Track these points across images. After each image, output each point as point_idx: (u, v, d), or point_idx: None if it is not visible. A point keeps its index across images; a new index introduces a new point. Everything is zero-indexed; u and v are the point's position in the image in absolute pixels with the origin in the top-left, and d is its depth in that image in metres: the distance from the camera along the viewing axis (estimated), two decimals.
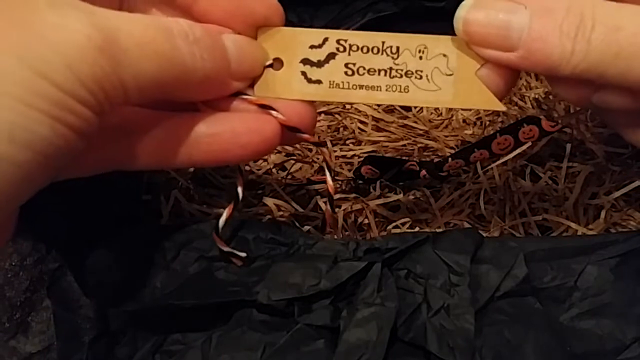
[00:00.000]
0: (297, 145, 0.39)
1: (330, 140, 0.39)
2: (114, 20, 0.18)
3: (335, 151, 0.39)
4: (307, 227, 0.32)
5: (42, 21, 0.17)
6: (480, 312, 0.23)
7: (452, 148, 0.39)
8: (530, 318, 0.23)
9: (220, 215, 0.25)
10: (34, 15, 0.17)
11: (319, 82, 0.23)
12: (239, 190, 0.25)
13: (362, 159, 0.37)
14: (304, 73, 0.23)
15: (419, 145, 0.39)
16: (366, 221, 0.34)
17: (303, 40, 0.23)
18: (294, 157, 0.39)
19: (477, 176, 0.36)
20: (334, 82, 0.23)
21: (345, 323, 0.22)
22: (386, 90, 0.23)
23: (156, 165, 0.23)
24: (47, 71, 0.16)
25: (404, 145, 0.39)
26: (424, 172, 0.35)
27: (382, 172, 0.35)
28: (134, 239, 0.27)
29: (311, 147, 0.39)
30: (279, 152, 0.39)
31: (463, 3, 0.22)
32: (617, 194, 0.34)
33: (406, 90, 0.23)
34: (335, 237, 0.32)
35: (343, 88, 0.23)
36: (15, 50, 0.16)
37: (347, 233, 0.33)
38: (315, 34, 0.23)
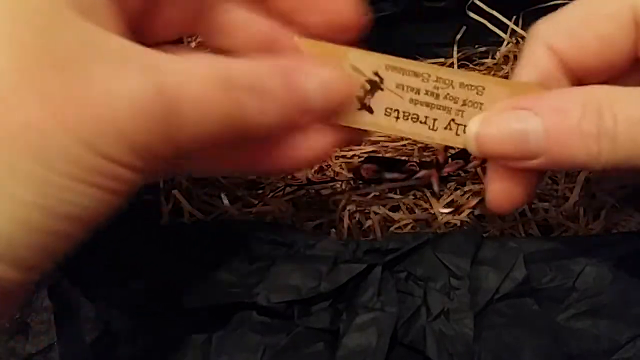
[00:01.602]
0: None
1: None
2: (175, 76, 0.17)
3: (335, 151, 0.39)
4: (307, 228, 0.32)
5: (99, 87, 0.15)
6: (479, 315, 0.23)
7: (452, 148, 0.39)
8: (529, 320, 0.23)
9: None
10: (90, 79, 0.15)
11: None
12: None
13: (362, 159, 0.37)
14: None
15: (419, 145, 0.39)
16: (366, 221, 0.34)
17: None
18: None
19: (477, 176, 0.36)
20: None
21: (345, 327, 0.22)
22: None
23: (211, 172, 0.22)
24: (99, 144, 0.16)
25: (404, 145, 0.39)
26: (424, 172, 0.35)
27: (382, 172, 0.35)
28: (134, 239, 0.27)
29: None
30: None
31: (471, 121, 0.21)
32: (617, 194, 0.34)
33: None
34: (337, 237, 0.32)
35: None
36: (63, 123, 0.15)
37: (347, 233, 0.33)
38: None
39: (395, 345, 0.23)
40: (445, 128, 0.22)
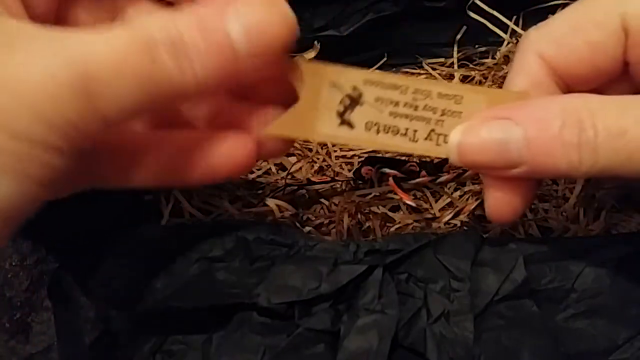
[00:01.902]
0: (298, 145, 0.39)
1: None
2: (88, 46, 0.16)
3: (335, 151, 0.39)
4: (307, 228, 0.33)
5: (7, 69, 0.15)
6: (479, 316, 0.23)
7: None
8: (528, 322, 0.23)
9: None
10: None
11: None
12: None
13: (362, 159, 0.37)
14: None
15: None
16: (367, 221, 0.34)
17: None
18: (294, 157, 0.39)
19: (477, 176, 0.36)
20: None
21: (346, 329, 0.22)
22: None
23: (147, 185, 0.22)
24: (13, 124, 0.15)
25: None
26: (424, 172, 0.35)
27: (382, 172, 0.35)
28: (134, 239, 0.27)
29: (311, 146, 0.39)
30: None
31: (453, 131, 0.21)
32: (617, 194, 0.34)
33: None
34: (337, 237, 0.32)
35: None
36: None
37: (347, 233, 0.33)
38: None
39: (395, 347, 0.23)
40: (426, 139, 0.22)
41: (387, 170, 0.36)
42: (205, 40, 0.17)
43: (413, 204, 0.33)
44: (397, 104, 0.21)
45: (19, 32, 0.16)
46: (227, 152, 0.21)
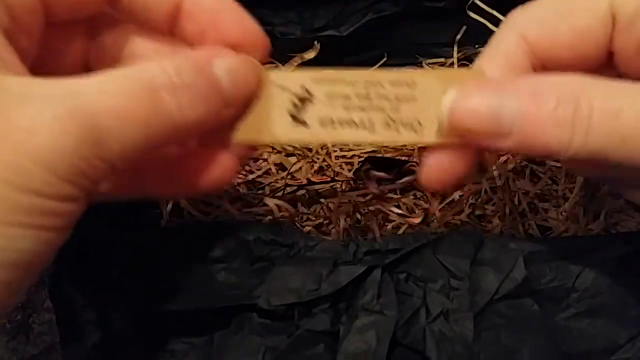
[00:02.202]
0: (297, 145, 0.39)
1: None
2: (91, 96, 0.17)
3: (335, 151, 0.39)
4: (307, 228, 0.33)
5: (14, 127, 0.16)
6: (479, 315, 0.23)
7: None
8: (528, 321, 0.23)
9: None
10: (4, 121, 0.16)
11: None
12: None
13: (362, 159, 0.37)
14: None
15: (419, 145, 0.39)
16: (366, 221, 0.34)
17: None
18: (294, 157, 0.39)
19: None
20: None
21: (345, 330, 0.22)
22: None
23: (126, 197, 0.22)
24: (26, 182, 0.15)
25: (404, 145, 0.39)
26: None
27: (382, 172, 0.36)
28: (134, 240, 0.27)
29: (311, 146, 0.39)
30: (279, 151, 0.39)
31: (447, 94, 0.20)
32: (617, 194, 0.34)
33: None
34: (337, 237, 0.32)
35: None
36: None
37: (347, 233, 0.33)
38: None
39: (395, 346, 0.23)
40: (386, 128, 0.22)
41: (374, 172, 0.36)
42: (202, 80, 0.19)
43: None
44: (348, 97, 0.22)
45: (20, 88, 0.16)
46: (213, 168, 0.22)
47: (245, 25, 0.22)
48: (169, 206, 0.32)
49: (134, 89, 0.17)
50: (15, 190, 0.15)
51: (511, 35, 0.22)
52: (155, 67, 0.18)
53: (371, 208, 0.34)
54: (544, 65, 0.22)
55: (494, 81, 0.21)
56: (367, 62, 0.41)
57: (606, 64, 0.22)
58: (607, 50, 0.22)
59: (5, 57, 0.18)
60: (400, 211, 0.35)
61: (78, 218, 0.17)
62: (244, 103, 0.21)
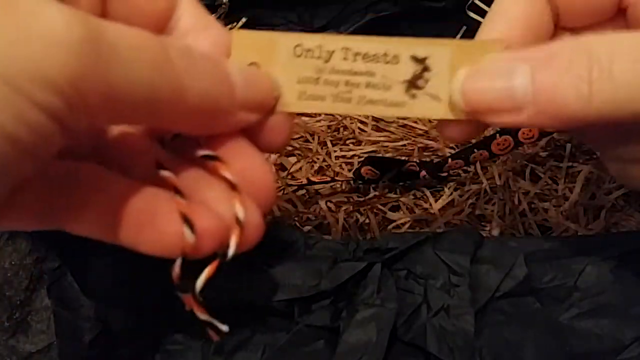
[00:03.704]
0: (297, 145, 0.39)
1: (331, 140, 0.39)
2: (104, 22, 0.15)
3: (335, 151, 0.39)
4: (307, 227, 0.32)
5: (21, 21, 0.14)
6: (480, 312, 0.23)
7: (452, 148, 0.39)
8: (530, 318, 0.23)
9: None
10: (11, 12, 0.14)
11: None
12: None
13: (362, 159, 0.37)
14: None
15: (419, 145, 0.39)
16: (366, 221, 0.34)
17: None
18: (294, 157, 0.39)
19: (477, 176, 0.36)
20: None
21: (345, 324, 0.22)
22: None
23: (94, 236, 0.20)
24: (17, 79, 0.14)
25: (404, 145, 0.39)
26: (423, 172, 0.35)
27: (382, 172, 0.35)
28: None
29: (311, 146, 0.39)
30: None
31: (458, 73, 0.20)
32: (617, 194, 0.34)
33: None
34: (336, 236, 0.32)
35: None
36: None
37: (347, 233, 0.33)
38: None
39: (395, 342, 0.23)
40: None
41: (374, 172, 0.36)
42: (211, 62, 0.19)
43: None
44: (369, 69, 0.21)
45: None
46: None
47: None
48: None
49: (150, 36, 0.17)
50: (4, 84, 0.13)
51: None
52: (169, 38, 0.18)
53: (371, 208, 0.34)
54: (557, 13, 0.22)
55: (501, 56, 0.20)
56: None
57: (616, 17, 0.22)
58: (617, 5, 0.21)
59: None
60: (400, 211, 0.35)
61: (49, 147, 0.15)
62: (253, 104, 0.20)
